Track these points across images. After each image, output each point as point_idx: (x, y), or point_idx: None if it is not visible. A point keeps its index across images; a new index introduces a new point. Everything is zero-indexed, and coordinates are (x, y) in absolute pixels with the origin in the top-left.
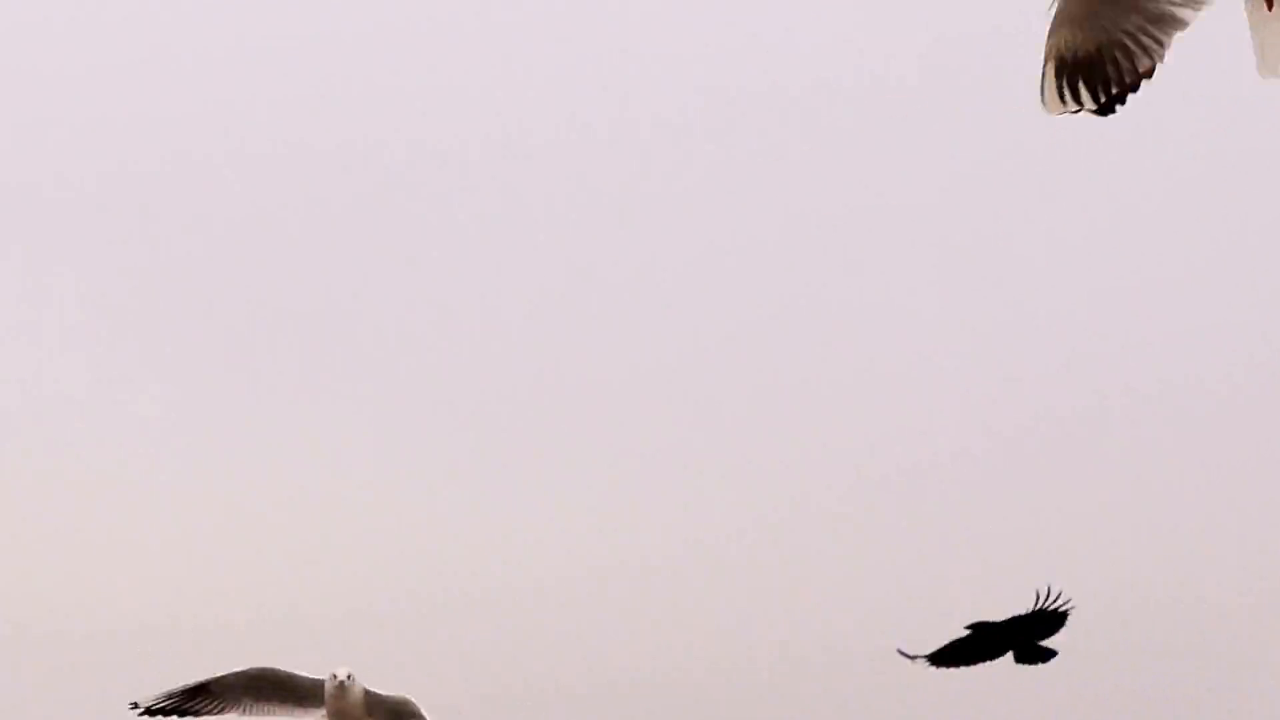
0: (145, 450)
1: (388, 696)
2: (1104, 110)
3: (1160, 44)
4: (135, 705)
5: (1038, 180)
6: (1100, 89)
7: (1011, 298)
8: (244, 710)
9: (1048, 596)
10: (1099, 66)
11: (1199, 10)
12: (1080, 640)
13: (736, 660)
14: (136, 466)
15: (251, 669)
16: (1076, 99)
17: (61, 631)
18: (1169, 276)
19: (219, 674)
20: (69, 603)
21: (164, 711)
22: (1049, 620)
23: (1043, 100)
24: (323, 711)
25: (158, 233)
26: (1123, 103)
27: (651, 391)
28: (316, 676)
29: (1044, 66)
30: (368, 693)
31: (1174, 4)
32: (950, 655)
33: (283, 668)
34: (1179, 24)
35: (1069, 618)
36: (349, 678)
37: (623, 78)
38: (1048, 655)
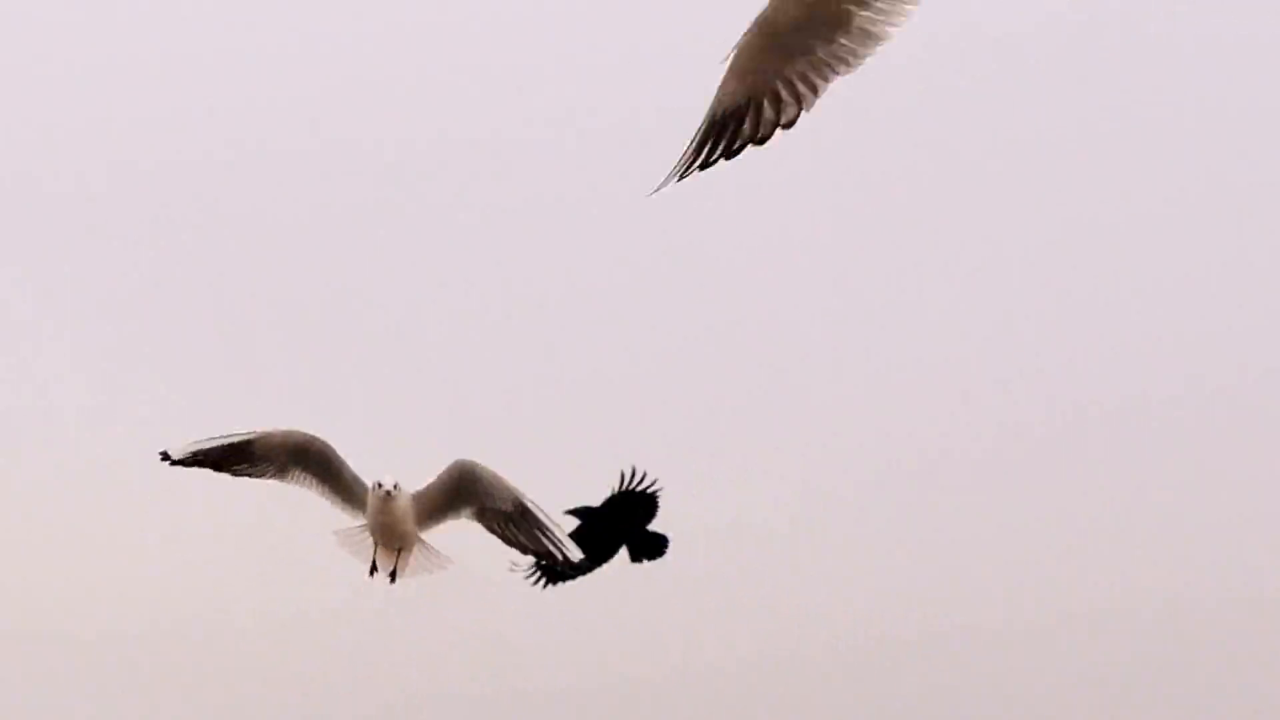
0: (145, 452)
1: (440, 482)
2: (705, 165)
3: (815, 90)
4: (165, 455)
5: (1048, 175)
6: (730, 143)
7: (1023, 295)
8: (286, 476)
9: (633, 477)
10: (739, 119)
11: (869, 51)
12: (1085, 641)
13: (739, 660)
14: (137, 468)
15: (299, 435)
16: (699, 160)
17: (62, 634)
18: (1181, 275)
19: (262, 430)
20: (70, 605)
21: (197, 463)
22: (642, 503)
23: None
24: (361, 517)
25: (158, 234)
26: (735, 156)
27: (655, 388)
28: (363, 479)
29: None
30: (418, 498)
31: (844, 46)
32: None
33: (332, 448)
34: (846, 65)
35: (658, 500)
36: (395, 487)
37: (623, 76)
38: (661, 544)
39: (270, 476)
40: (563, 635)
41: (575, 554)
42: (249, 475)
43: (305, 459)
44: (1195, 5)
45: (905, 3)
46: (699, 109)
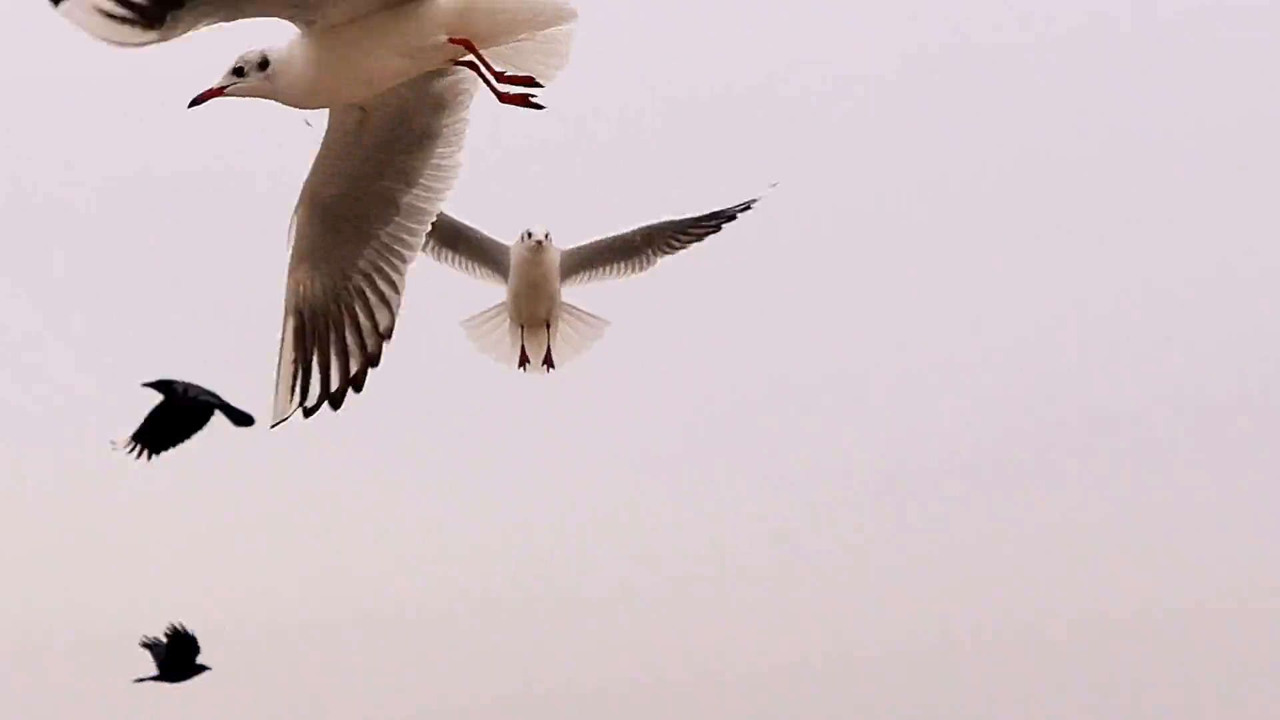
0: (146, 460)
1: (598, 242)
2: (334, 404)
3: (397, 289)
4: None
5: (1047, 181)
6: (329, 386)
7: (1025, 304)
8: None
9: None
10: (332, 325)
11: (422, 230)
12: (1089, 644)
13: (742, 663)
14: (138, 471)
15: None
16: (305, 398)
17: (62, 637)
18: (1176, 283)
19: None
20: (70, 608)
21: None
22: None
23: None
24: (501, 283)
25: (163, 235)
26: (358, 390)
27: (658, 396)
28: (501, 240)
29: (282, 330)
30: (567, 253)
31: (401, 226)
32: (153, 435)
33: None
34: (409, 249)
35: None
36: (546, 236)
37: (620, 76)
38: (246, 419)
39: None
40: (565, 642)
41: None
42: None
43: (444, 229)
44: (1199, 16)
45: (450, 180)
46: (707, 103)
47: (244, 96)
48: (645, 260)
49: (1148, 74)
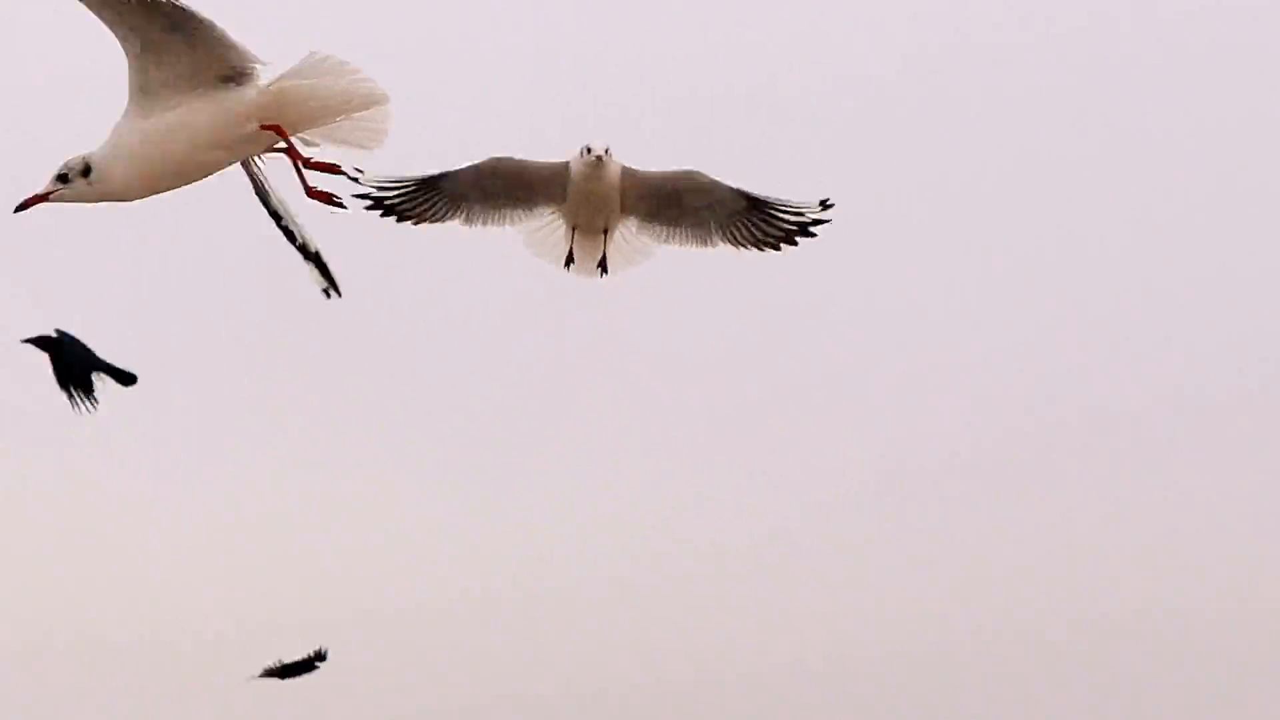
0: (147, 458)
1: (660, 172)
2: None
3: None
4: (357, 180)
5: (1047, 181)
6: None
7: (1022, 302)
8: (469, 216)
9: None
10: None
11: None
12: (1089, 644)
13: (742, 663)
14: (139, 475)
15: (488, 162)
16: None
17: (62, 638)
18: (1175, 283)
19: (450, 170)
20: (70, 609)
21: (387, 208)
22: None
23: None
24: (553, 210)
25: (163, 234)
26: None
27: (658, 396)
28: (555, 161)
29: None
30: (629, 174)
31: None
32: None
33: (517, 159)
34: None
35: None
36: (606, 152)
37: (620, 76)
38: (129, 378)
39: (448, 217)
40: (565, 642)
41: (815, 210)
42: (425, 217)
43: (499, 173)
44: (1199, 16)
45: None
46: (709, 103)
47: (69, 202)
48: (708, 236)
49: (1148, 74)
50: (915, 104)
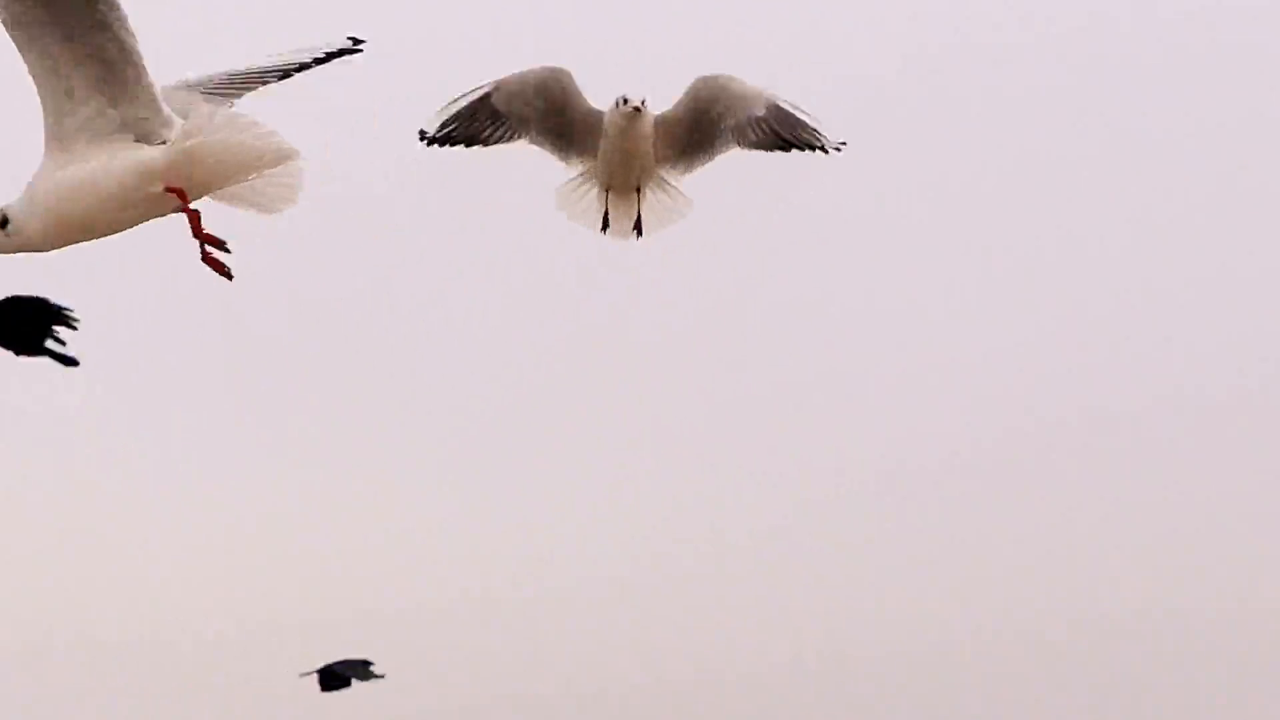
0: (147, 459)
1: (681, 102)
2: None
3: None
4: (422, 134)
5: (1047, 181)
6: None
7: (1022, 302)
8: (528, 133)
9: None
10: None
11: None
12: (1089, 644)
13: (742, 663)
14: (139, 476)
15: (537, 71)
16: None
17: (61, 639)
18: (1176, 283)
19: (498, 80)
20: (70, 611)
21: (450, 139)
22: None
23: None
24: (586, 165)
25: (156, 240)
26: None
27: (656, 397)
28: (596, 106)
29: None
30: (659, 123)
31: None
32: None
33: (571, 77)
34: None
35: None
36: (643, 102)
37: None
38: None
39: (516, 137)
40: (565, 642)
41: (834, 141)
42: (490, 139)
43: (546, 95)
44: (1199, 17)
45: None
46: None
47: None
48: (729, 145)
49: (1148, 74)
50: (915, 104)
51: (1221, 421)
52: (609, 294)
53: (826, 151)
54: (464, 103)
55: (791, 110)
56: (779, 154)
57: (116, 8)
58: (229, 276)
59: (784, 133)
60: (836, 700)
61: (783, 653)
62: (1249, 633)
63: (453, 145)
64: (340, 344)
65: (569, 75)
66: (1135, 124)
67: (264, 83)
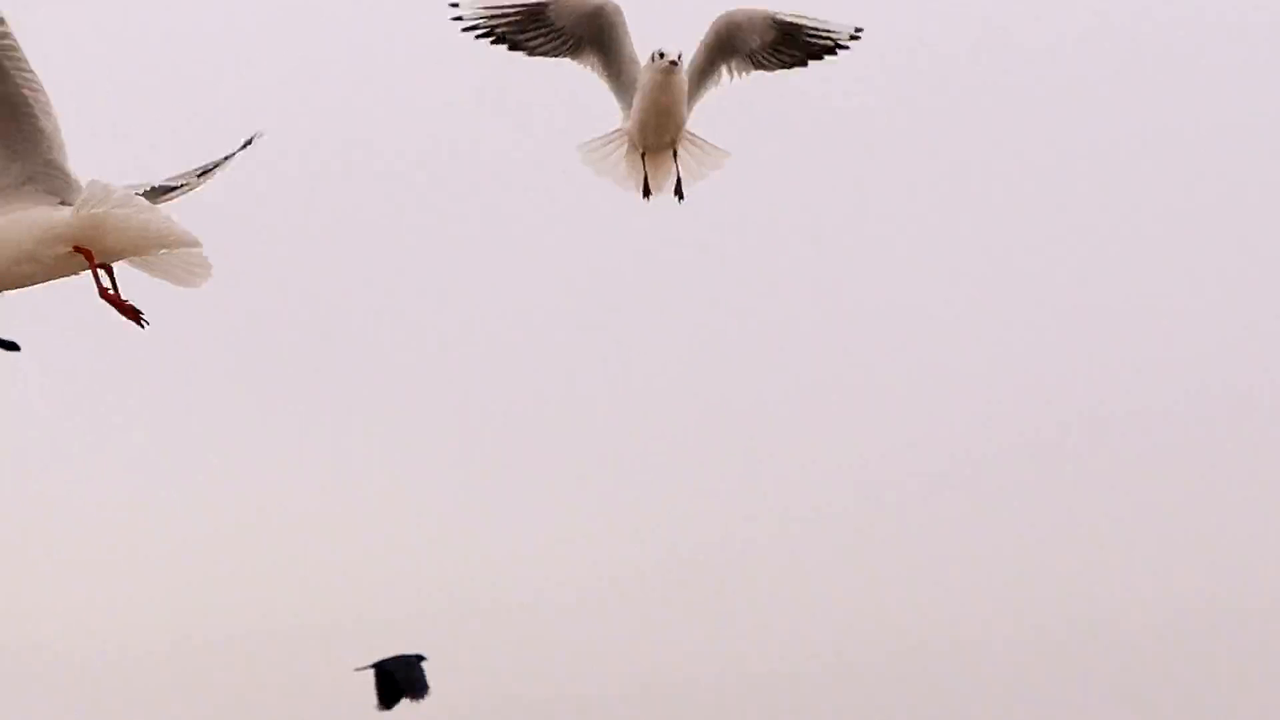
0: (147, 460)
1: (701, 46)
2: None
3: None
4: (456, 10)
5: (1052, 184)
6: None
7: (1024, 305)
8: (573, 51)
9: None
10: None
11: None
12: (1092, 646)
13: (742, 665)
14: (139, 476)
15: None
16: None
17: (61, 639)
18: (1191, 288)
19: None
20: (70, 612)
21: (489, 32)
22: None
23: None
24: (621, 114)
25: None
26: None
27: (657, 403)
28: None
29: None
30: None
31: None
32: None
33: (621, 13)
34: None
35: None
36: (679, 57)
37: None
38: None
39: (565, 54)
40: (565, 643)
41: (847, 30)
42: (536, 49)
43: (598, 21)
44: (1200, 17)
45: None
46: (707, 109)
47: None
48: (746, 70)
49: (1148, 74)
50: (916, 104)
51: (1222, 421)
52: (611, 295)
53: (845, 48)
54: (515, 3)
55: (794, 20)
56: (799, 70)
57: (16, 52)
58: (140, 324)
59: (796, 50)
60: (838, 702)
61: (783, 654)
62: (1249, 632)
63: (488, 39)
64: (347, 352)
65: (621, 12)
66: (1136, 125)
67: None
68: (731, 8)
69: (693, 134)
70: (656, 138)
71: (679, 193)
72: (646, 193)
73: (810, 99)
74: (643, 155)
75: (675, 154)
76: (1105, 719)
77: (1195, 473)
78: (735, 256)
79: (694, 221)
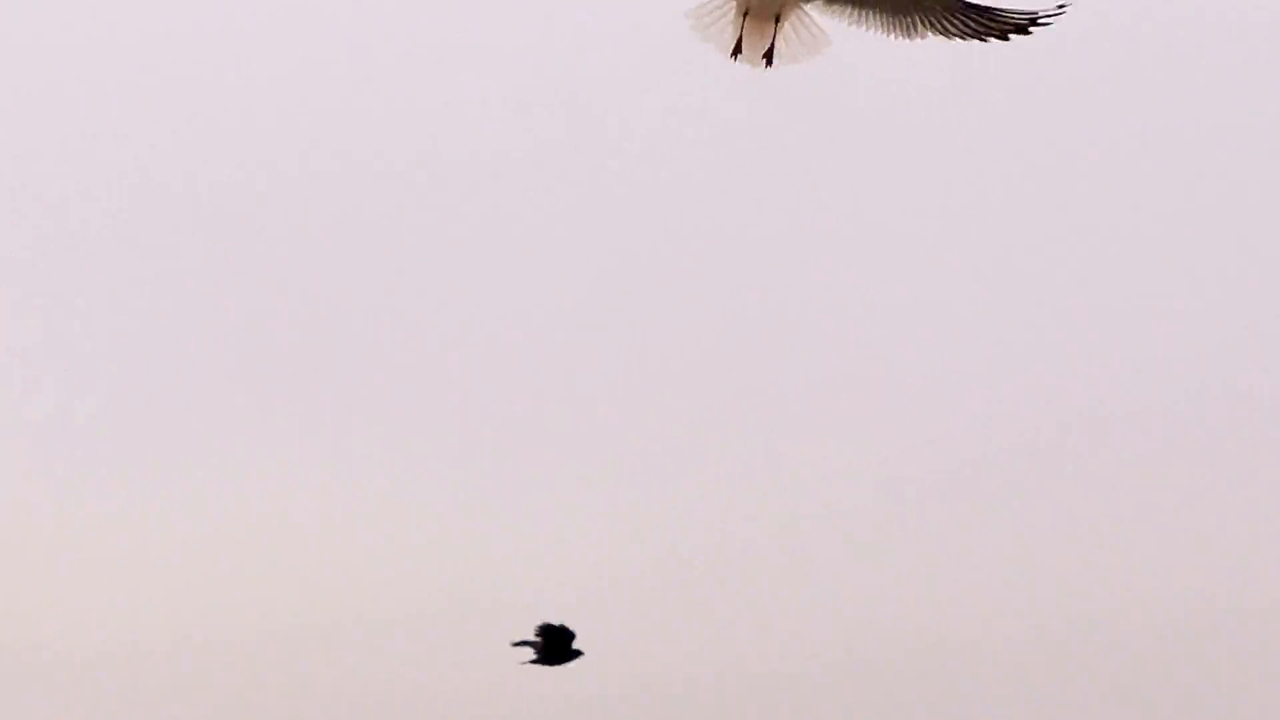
0: (147, 460)
1: None
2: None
3: None
4: None
5: (1055, 184)
6: None
7: (1030, 304)
8: None
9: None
10: None
11: None
12: (1095, 648)
13: (743, 666)
14: (139, 477)
15: None
16: None
17: (61, 641)
18: (1191, 288)
19: None
20: (69, 614)
21: None
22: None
23: None
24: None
25: (162, 246)
26: None
27: (660, 401)
28: None
29: None
30: None
31: None
32: None
33: None
34: None
35: None
36: None
37: (612, 90)
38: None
39: None
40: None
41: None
42: None
43: None
44: (1199, 17)
45: None
46: (702, 111)
47: None
48: (911, 25)
49: (1148, 74)
50: (916, 104)
51: (1222, 422)
52: (613, 296)
53: (1030, 31)
54: None
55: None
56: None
57: None
58: None
59: (978, 21)
60: (838, 702)
61: (783, 655)
62: (1249, 633)
63: None
64: (347, 353)
65: None
66: (1136, 125)
67: None
68: None
69: (804, 9)
70: (759, 13)
71: (768, 57)
72: (737, 52)
73: (811, 99)
74: (745, 17)
75: (778, 22)
76: (1105, 719)
77: (1195, 473)
78: (740, 254)
79: (696, 220)
